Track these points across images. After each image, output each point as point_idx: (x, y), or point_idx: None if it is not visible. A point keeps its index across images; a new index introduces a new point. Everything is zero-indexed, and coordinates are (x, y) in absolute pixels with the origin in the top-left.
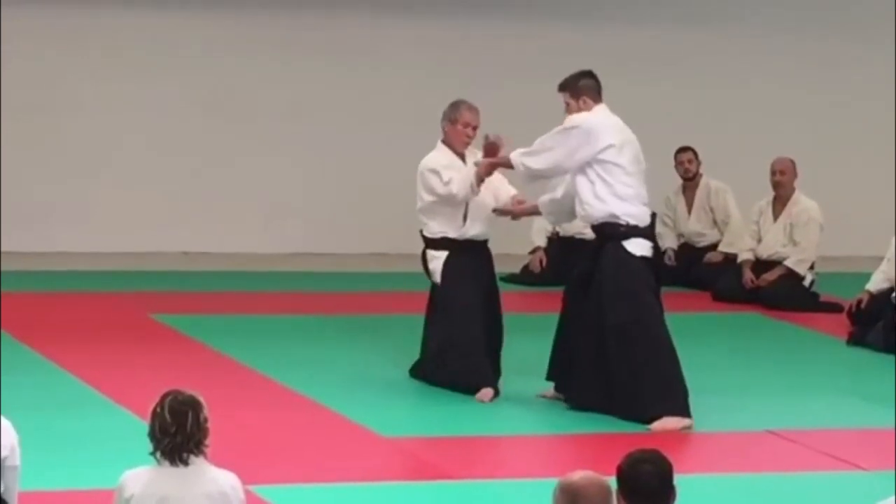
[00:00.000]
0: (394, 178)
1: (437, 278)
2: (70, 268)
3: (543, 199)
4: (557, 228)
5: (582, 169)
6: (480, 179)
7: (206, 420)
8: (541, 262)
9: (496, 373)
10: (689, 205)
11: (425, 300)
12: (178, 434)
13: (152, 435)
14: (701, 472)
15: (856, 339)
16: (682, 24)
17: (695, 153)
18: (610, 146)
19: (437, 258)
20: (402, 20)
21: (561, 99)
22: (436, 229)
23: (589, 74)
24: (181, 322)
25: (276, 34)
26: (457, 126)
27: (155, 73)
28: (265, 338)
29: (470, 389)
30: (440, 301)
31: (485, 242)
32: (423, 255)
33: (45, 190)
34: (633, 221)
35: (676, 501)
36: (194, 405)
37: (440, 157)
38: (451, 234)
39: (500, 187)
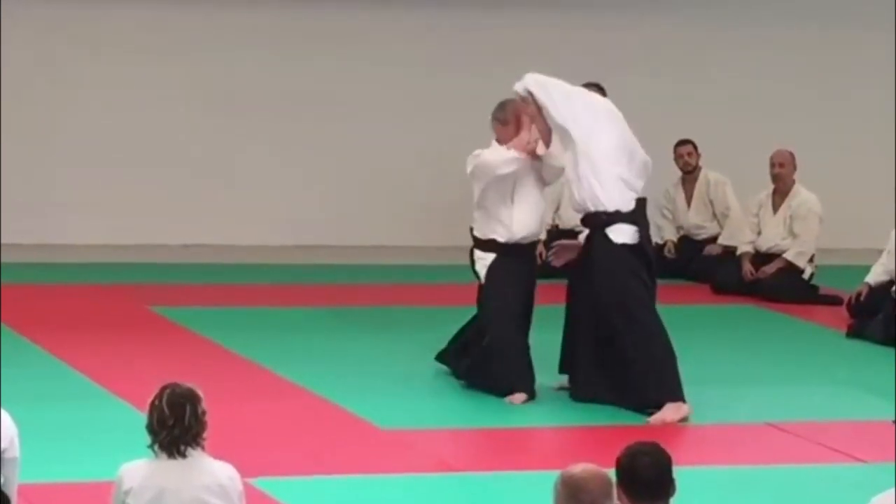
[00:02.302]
0: (396, 171)
1: (482, 279)
2: (69, 260)
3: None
4: (557, 221)
5: (569, 159)
6: (526, 150)
7: (204, 413)
8: (541, 254)
9: (532, 377)
10: (689, 197)
11: (425, 292)
12: (176, 427)
13: (150, 427)
14: (700, 465)
15: (855, 332)
16: (682, 17)
17: (694, 146)
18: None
19: (483, 259)
20: (404, 10)
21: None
22: (485, 230)
23: (596, 85)
24: (180, 314)
25: (276, 26)
26: (508, 127)
27: (155, 66)
28: (264, 330)
29: (504, 392)
30: (484, 304)
31: (533, 245)
32: (471, 253)
33: (45, 182)
34: (612, 208)
35: (675, 494)
36: (192, 398)
37: (488, 151)
38: (500, 238)
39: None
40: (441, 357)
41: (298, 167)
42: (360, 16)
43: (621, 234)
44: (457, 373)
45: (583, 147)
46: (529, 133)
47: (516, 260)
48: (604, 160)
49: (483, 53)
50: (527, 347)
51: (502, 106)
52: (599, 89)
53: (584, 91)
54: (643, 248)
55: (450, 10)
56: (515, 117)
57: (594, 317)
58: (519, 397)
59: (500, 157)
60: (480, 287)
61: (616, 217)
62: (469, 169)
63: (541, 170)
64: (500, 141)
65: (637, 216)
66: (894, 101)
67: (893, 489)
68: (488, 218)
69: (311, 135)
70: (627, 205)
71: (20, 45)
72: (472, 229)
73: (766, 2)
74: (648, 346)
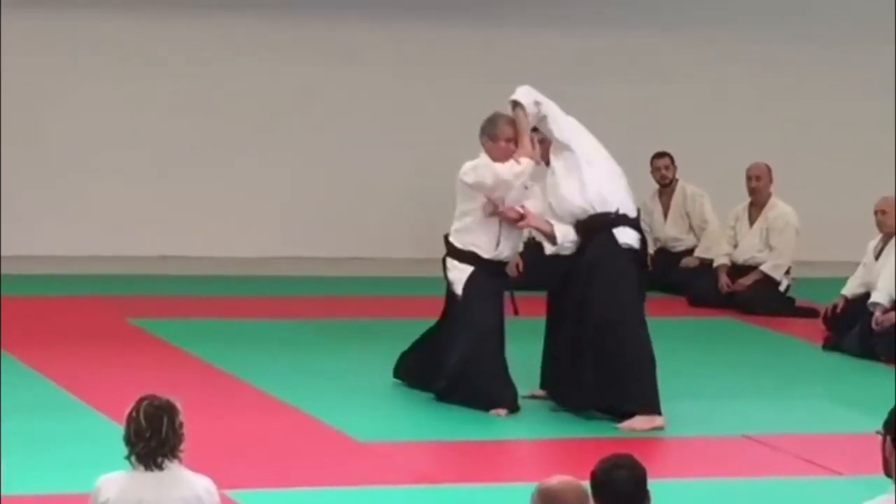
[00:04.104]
0: (382, 182)
1: (458, 290)
2: (46, 271)
3: (563, 230)
4: (533, 234)
5: (566, 161)
6: (534, 160)
7: (181, 425)
8: (518, 266)
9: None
10: (666, 210)
11: (403, 305)
12: (152, 438)
13: (127, 439)
14: (676, 477)
15: (831, 344)
16: (658, 28)
17: (671, 159)
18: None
19: (460, 270)
20: (394, 21)
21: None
22: (466, 241)
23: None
24: (158, 326)
25: (260, 36)
26: (499, 143)
27: (135, 76)
28: (242, 342)
29: (489, 407)
30: (460, 317)
31: (506, 263)
32: (444, 261)
33: (22, 193)
34: (622, 210)
35: None
36: (169, 410)
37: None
38: (483, 254)
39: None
40: (399, 373)
41: (282, 178)
42: (349, 26)
43: (627, 236)
44: (424, 388)
45: (585, 156)
46: (529, 139)
47: (493, 274)
48: (603, 169)
49: (471, 64)
50: (505, 362)
51: (492, 122)
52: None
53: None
54: (643, 257)
55: (440, 21)
56: (505, 134)
57: (581, 318)
58: (503, 411)
59: (512, 169)
60: (449, 294)
61: (623, 219)
62: (469, 180)
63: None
64: (492, 156)
65: (639, 222)
66: (872, 114)
67: (869, 501)
68: (470, 232)
69: (294, 146)
70: (632, 210)
71: (10, 56)
72: (446, 237)
73: (744, 14)
74: (632, 358)
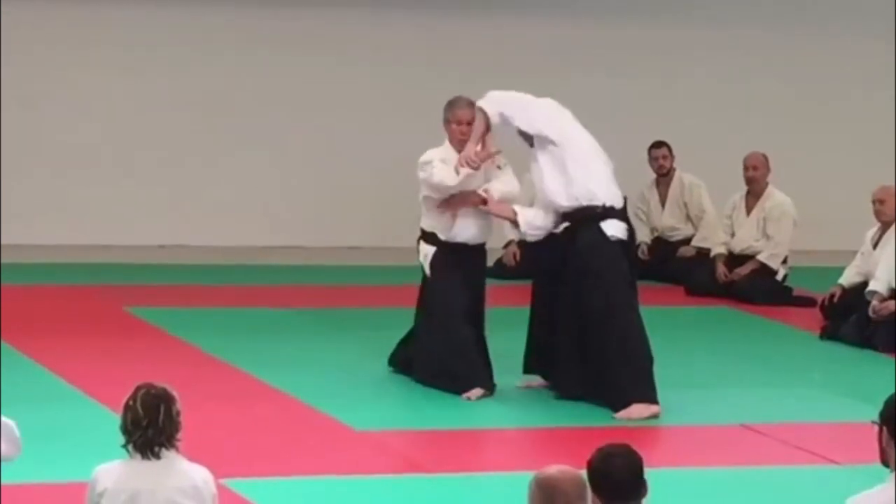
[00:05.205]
0: (368, 173)
1: (427, 270)
2: (45, 260)
3: (527, 216)
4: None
5: (551, 154)
6: (469, 165)
7: (178, 413)
8: (514, 255)
9: (489, 372)
10: (663, 199)
11: (399, 294)
12: (150, 427)
13: (124, 428)
14: (673, 466)
15: (829, 334)
16: (656, 19)
17: (669, 148)
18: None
19: (424, 251)
20: (385, 15)
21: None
22: (429, 223)
23: None
24: (156, 315)
25: (254, 30)
26: (451, 125)
27: (134, 69)
28: (240, 331)
29: (461, 389)
30: (428, 297)
31: (479, 246)
32: (418, 244)
33: (20, 183)
34: (608, 202)
35: (648, 495)
36: (167, 399)
37: (438, 151)
38: (441, 235)
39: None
40: (392, 361)
41: (276, 168)
42: (340, 20)
43: (614, 228)
44: (410, 374)
45: (565, 147)
46: (476, 146)
47: (460, 256)
48: (588, 158)
49: (459, 56)
50: (481, 341)
51: (450, 105)
52: None
53: (542, 99)
54: (631, 247)
55: (434, 12)
56: (457, 117)
57: (574, 310)
58: (475, 392)
59: (450, 177)
60: (424, 279)
61: (610, 212)
62: (421, 176)
63: (490, 176)
64: (449, 138)
65: (626, 213)
66: (868, 104)
67: (868, 491)
68: (429, 215)
69: (288, 137)
70: (619, 201)
71: (9, 49)
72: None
73: (741, 3)
74: (627, 346)
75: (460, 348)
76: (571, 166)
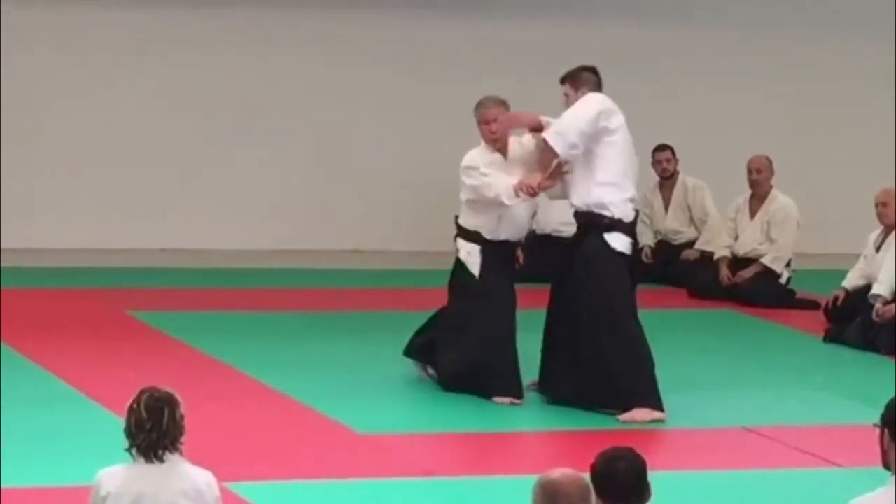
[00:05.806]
0: (376, 176)
1: (475, 270)
2: (47, 264)
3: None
4: (534, 225)
5: (588, 159)
6: (528, 193)
7: (182, 417)
8: (518, 258)
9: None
10: (667, 202)
11: (401, 297)
12: (153, 431)
13: (128, 431)
14: (676, 470)
15: (832, 336)
16: (659, 21)
17: (672, 151)
18: (620, 126)
19: (469, 249)
20: (385, 15)
21: (561, 91)
22: (471, 222)
23: (591, 69)
24: (158, 319)
25: (254, 30)
26: (481, 125)
27: (136, 71)
28: (242, 335)
29: (497, 392)
30: (474, 295)
31: (517, 243)
32: (455, 240)
33: (22, 186)
34: (617, 214)
35: (651, 499)
36: (170, 402)
37: (477, 155)
38: (485, 234)
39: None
40: (410, 352)
41: (282, 172)
42: (340, 20)
43: (619, 242)
44: (432, 370)
45: (590, 152)
46: (542, 176)
47: (502, 255)
48: (610, 165)
49: (466, 57)
50: (516, 349)
51: (478, 105)
52: (594, 73)
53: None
54: (634, 259)
55: (431, 15)
56: (484, 116)
57: (575, 317)
58: (508, 399)
59: (508, 196)
60: (457, 275)
61: (618, 225)
62: (468, 182)
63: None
64: (482, 137)
65: (635, 226)
66: (872, 106)
67: (870, 494)
68: (475, 213)
69: (295, 139)
70: (629, 215)
71: (9, 49)
72: (457, 218)
73: (745, 6)
74: (628, 353)
75: (505, 353)
76: (600, 173)
